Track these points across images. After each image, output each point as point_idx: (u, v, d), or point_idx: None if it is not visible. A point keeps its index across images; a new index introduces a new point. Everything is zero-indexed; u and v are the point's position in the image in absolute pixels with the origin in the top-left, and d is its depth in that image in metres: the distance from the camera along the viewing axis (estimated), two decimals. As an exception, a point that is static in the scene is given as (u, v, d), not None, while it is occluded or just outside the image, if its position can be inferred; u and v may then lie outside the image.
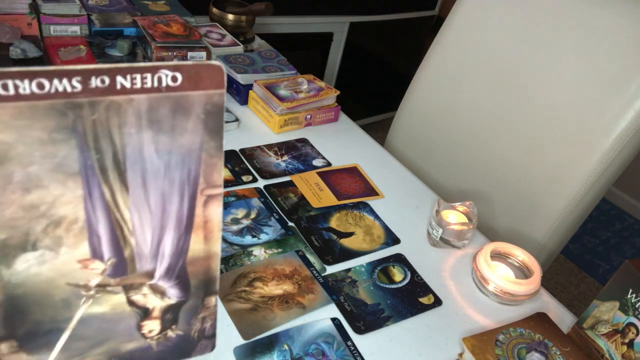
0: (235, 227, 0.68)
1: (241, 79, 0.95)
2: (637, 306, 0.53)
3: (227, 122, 0.88)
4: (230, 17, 1.14)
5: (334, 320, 0.59)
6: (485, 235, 0.79)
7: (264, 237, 0.67)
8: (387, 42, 2.24)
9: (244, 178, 0.78)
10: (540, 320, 0.61)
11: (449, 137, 1.03)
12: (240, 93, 0.97)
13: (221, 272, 0.61)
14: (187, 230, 0.33)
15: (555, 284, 1.87)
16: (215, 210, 0.33)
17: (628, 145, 0.80)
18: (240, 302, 0.58)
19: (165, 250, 0.33)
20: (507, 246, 0.70)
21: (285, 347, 0.54)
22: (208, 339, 0.38)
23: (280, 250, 0.66)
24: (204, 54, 1.00)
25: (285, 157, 0.85)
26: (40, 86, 0.26)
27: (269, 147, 0.87)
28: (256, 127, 0.92)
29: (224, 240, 0.65)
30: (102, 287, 0.33)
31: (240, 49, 1.07)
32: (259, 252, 0.65)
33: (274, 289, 0.61)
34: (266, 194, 0.76)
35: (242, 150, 0.84)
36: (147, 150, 0.30)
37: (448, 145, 1.04)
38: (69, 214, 0.30)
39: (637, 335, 0.53)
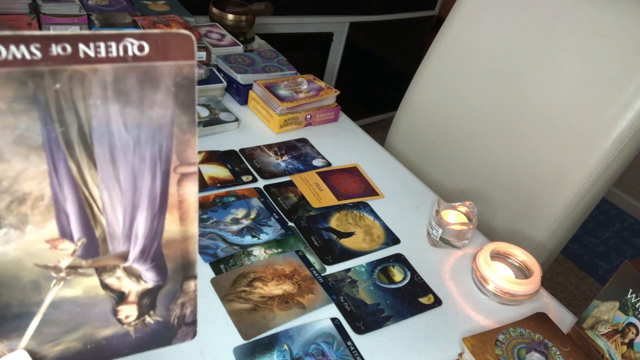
0: (235, 227, 0.68)
1: (241, 79, 0.95)
2: (637, 306, 0.53)
3: (227, 122, 0.88)
4: (230, 17, 1.14)
5: (333, 320, 0.59)
6: (485, 235, 0.79)
7: (263, 237, 0.67)
8: (387, 42, 2.24)
9: (244, 178, 0.78)
10: (540, 320, 0.61)
11: (449, 137, 1.03)
12: (240, 93, 0.97)
13: (221, 272, 0.61)
14: (161, 210, 0.32)
15: (555, 284, 1.87)
16: (190, 189, 0.33)
17: (628, 145, 0.80)
18: (240, 302, 0.58)
19: (139, 230, 0.32)
20: (507, 246, 0.70)
21: (285, 347, 0.54)
22: (188, 326, 0.37)
23: (280, 250, 0.66)
24: (203, 53, 1.00)
25: (285, 157, 0.85)
26: None
27: (269, 147, 0.87)
28: (256, 127, 0.92)
29: (224, 240, 0.65)
30: (73, 268, 0.32)
31: (240, 49, 1.07)
32: (259, 252, 0.65)
33: (274, 289, 0.61)
34: (266, 194, 0.76)
35: (242, 150, 0.84)
36: (115, 124, 0.29)
37: (448, 145, 1.04)
38: (33, 190, 0.29)
39: (637, 335, 0.53)
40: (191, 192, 0.33)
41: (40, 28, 0.95)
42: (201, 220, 0.68)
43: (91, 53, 0.27)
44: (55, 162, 0.29)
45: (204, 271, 0.61)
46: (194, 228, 0.34)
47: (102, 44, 0.27)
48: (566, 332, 0.62)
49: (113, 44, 0.27)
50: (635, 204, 2.32)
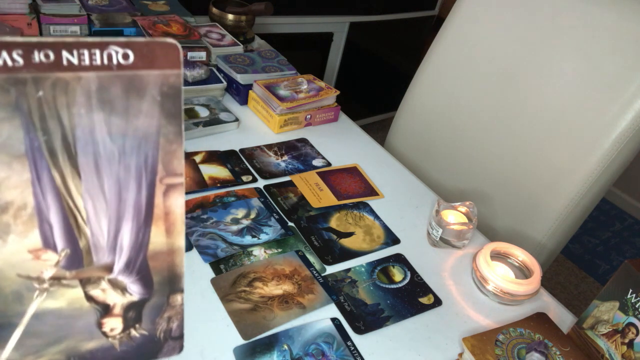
0: (235, 227, 0.68)
1: (241, 79, 0.95)
2: (637, 306, 0.53)
3: (227, 122, 0.88)
4: (230, 17, 1.14)
5: (333, 320, 0.59)
6: (485, 235, 0.79)
7: (263, 237, 0.67)
8: (387, 42, 2.24)
9: (244, 178, 0.78)
10: (540, 320, 0.61)
11: (449, 137, 1.03)
12: (240, 93, 0.97)
13: (221, 272, 0.61)
14: (146, 222, 0.32)
15: (555, 284, 1.87)
16: (177, 201, 0.32)
17: (628, 145, 0.80)
18: (240, 302, 0.58)
19: (124, 242, 0.32)
20: (507, 246, 0.70)
21: (285, 347, 0.54)
22: (175, 340, 0.36)
23: (280, 250, 0.66)
24: (203, 53, 1.00)
25: (285, 157, 0.85)
26: None
27: (269, 147, 0.87)
28: (256, 127, 0.92)
29: (224, 240, 0.65)
30: (56, 279, 0.31)
31: (240, 49, 1.07)
32: (259, 252, 0.65)
33: (274, 289, 0.61)
34: (266, 194, 0.76)
35: (242, 150, 0.84)
36: (99, 133, 0.28)
37: (448, 145, 1.04)
38: (16, 199, 0.28)
39: (637, 335, 0.53)
40: (177, 204, 0.32)
41: (40, 28, 0.95)
42: (201, 220, 0.68)
43: (75, 61, 0.26)
44: (39, 171, 0.28)
45: (204, 271, 0.61)
46: (180, 241, 0.33)
47: (85, 52, 0.26)
48: (566, 332, 0.62)
49: (97, 52, 0.26)
50: (635, 204, 2.32)
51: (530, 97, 0.90)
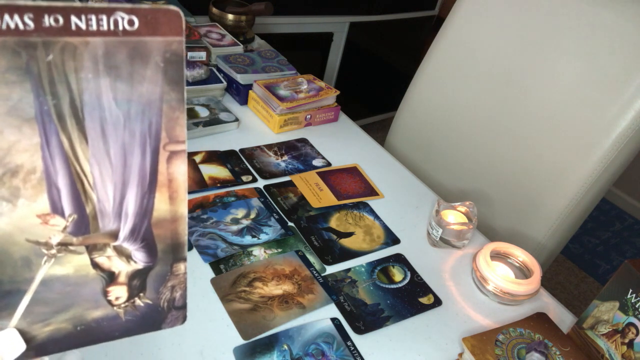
0: (235, 227, 0.68)
1: (241, 79, 0.95)
2: (637, 306, 0.53)
3: (227, 122, 0.88)
4: (230, 17, 1.14)
5: (333, 320, 0.59)
6: (485, 235, 0.79)
7: (263, 237, 0.67)
8: (387, 42, 2.24)
9: (244, 178, 0.78)
10: (540, 320, 0.61)
11: (449, 137, 1.03)
12: (240, 93, 0.97)
13: (221, 272, 0.61)
14: (150, 188, 0.32)
15: (555, 284, 1.87)
16: (180, 167, 0.32)
17: (628, 145, 0.80)
18: (240, 302, 0.58)
19: (129, 208, 0.32)
20: (507, 246, 0.70)
21: (285, 347, 0.54)
22: (178, 310, 0.37)
23: (280, 250, 0.66)
24: (203, 53, 1.00)
25: (285, 157, 0.85)
26: None
27: (269, 147, 0.87)
28: (256, 127, 0.92)
29: (224, 240, 0.65)
30: (64, 245, 0.32)
31: (240, 49, 1.07)
32: (259, 252, 0.65)
33: (274, 289, 0.61)
34: (266, 194, 0.76)
35: (241, 150, 0.84)
36: (106, 98, 0.29)
37: (448, 145, 1.04)
38: (25, 162, 0.29)
39: (637, 335, 0.53)
40: (180, 171, 0.33)
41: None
42: (201, 220, 0.68)
43: (82, 25, 0.27)
44: (47, 135, 0.29)
45: (204, 271, 0.61)
46: (183, 208, 0.34)
47: (93, 17, 0.27)
48: (566, 332, 0.62)
49: (104, 17, 0.27)
50: (635, 204, 2.32)
51: (530, 97, 0.90)
